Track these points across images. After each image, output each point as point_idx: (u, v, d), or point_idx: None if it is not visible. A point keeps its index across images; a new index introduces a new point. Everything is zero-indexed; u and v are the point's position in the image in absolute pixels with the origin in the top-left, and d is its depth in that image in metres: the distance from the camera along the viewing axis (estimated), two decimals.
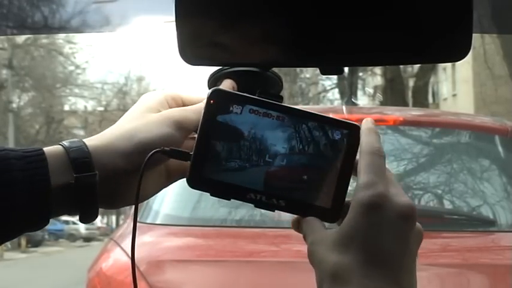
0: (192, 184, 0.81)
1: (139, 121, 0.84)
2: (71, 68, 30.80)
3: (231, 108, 0.81)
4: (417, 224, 0.78)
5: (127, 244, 2.38)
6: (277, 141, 0.81)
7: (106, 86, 33.58)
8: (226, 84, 0.86)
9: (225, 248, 2.47)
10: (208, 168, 0.80)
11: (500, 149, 2.94)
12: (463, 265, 2.36)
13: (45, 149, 0.80)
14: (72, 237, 37.23)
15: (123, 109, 32.10)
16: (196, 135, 0.82)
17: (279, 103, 0.81)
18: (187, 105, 0.88)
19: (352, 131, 0.81)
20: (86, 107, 34.09)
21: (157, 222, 2.56)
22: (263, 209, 0.81)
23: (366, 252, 0.75)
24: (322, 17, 0.68)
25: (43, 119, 30.78)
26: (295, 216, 0.82)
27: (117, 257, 2.40)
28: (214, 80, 0.88)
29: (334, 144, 0.80)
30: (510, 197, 2.74)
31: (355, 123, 0.81)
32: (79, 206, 0.81)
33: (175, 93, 0.89)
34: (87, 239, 36.32)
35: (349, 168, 0.80)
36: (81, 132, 33.40)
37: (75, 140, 0.82)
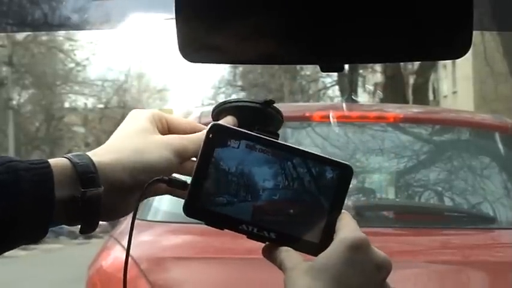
0: (188, 213, 0.85)
1: (141, 141, 0.87)
2: (71, 65, 30.74)
3: (228, 143, 0.85)
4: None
5: (127, 241, 2.37)
6: (271, 176, 0.84)
7: (106, 83, 33.51)
8: (228, 121, 0.90)
9: (224, 246, 2.47)
10: (204, 199, 0.85)
11: (500, 146, 2.95)
12: (463, 262, 2.36)
13: (50, 161, 0.82)
14: (72, 234, 37.15)
15: (123, 106, 32.06)
16: (194, 159, 0.86)
17: (275, 140, 0.85)
18: (171, 127, 0.92)
19: (343, 170, 0.84)
20: (86, 104, 34.02)
21: (158, 219, 2.56)
22: (255, 240, 0.85)
23: (337, 285, 0.77)
24: (323, 15, 0.68)
25: (43, 116, 30.74)
26: (265, 244, 0.85)
27: (117, 255, 2.40)
28: (217, 114, 0.92)
29: (326, 182, 0.84)
30: (510, 194, 2.75)
31: (347, 163, 0.85)
32: (82, 219, 0.83)
33: (160, 113, 0.93)
34: (87, 236, 36.32)
35: (339, 205, 0.84)
36: (81, 130, 33.37)
37: (80, 153, 0.84)
